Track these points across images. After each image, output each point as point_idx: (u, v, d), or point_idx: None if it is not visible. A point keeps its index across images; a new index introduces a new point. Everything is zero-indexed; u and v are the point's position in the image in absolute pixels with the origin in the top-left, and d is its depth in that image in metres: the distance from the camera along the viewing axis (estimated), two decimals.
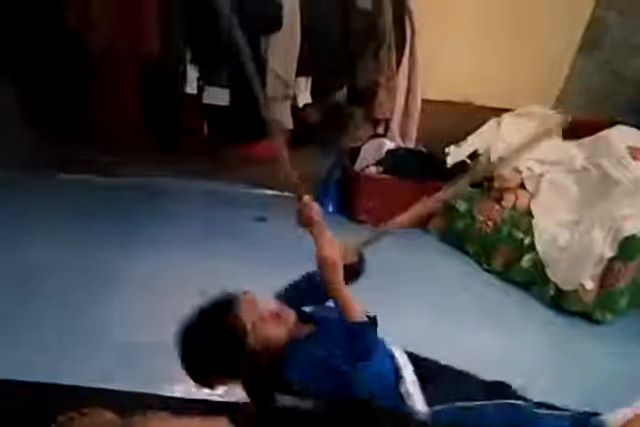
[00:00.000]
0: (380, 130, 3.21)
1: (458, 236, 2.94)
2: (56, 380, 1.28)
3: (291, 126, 2.83)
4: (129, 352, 1.65)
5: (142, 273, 2.13)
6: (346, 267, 1.23)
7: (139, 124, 2.71)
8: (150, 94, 2.69)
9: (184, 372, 1.20)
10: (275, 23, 2.66)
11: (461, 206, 2.92)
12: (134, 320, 1.82)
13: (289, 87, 2.77)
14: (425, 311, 2.18)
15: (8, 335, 1.58)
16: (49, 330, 1.67)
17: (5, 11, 2.39)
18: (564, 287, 2.42)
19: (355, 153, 3.18)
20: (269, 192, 3.22)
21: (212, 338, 1.18)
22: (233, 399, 1.48)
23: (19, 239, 2.18)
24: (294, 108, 2.81)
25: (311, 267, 1.29)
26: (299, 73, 2.75)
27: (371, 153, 3.12)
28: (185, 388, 1.53)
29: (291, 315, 1.23)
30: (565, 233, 2.52)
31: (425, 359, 1.30)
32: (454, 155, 3.01)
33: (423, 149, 3.16)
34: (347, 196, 3.17)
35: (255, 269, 2.27)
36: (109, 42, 2.48)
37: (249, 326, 1.17)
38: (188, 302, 1.90)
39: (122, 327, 1.78)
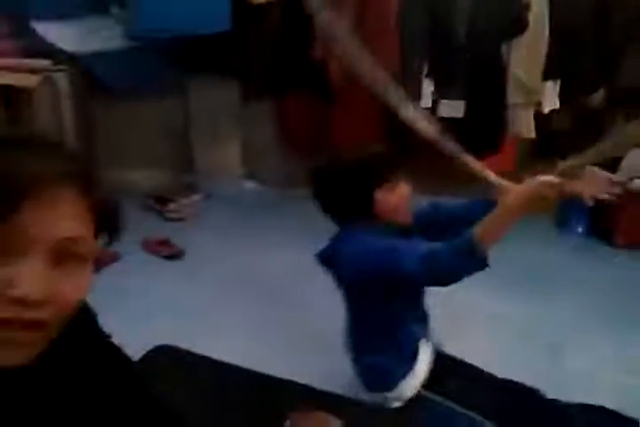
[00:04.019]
0: None
1: None
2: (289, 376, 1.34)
3: (533, 135, 2.57)
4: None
5: None
6: None
7: (375, 142, 2.78)
8: (388, 112, 2.74)
9: None
10: (520, 26, 2.47)
11: None
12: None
13: (533, 93, 2.53)
14: None
15: (260, 332, 1.75)
16: (286, 326, 1.80)
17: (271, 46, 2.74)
18: None
19: (614, 164, 2.71)
20: None
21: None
22: None
23: (273, 247, 2.41)
24: (539, 114, 2.55)
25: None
26: (545, 76, 2.49)
27: (636, 164, 2.62)
28: None
29: None
30: None
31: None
32: None
33: None
34: (602, 215, 2.72)
35: (490, 292, 2.08)
36: (352, 66, 2.62)
37: None
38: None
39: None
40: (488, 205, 1.23)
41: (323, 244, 2.48)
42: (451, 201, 1.44)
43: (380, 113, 2.74)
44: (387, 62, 2.56)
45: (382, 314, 1.28)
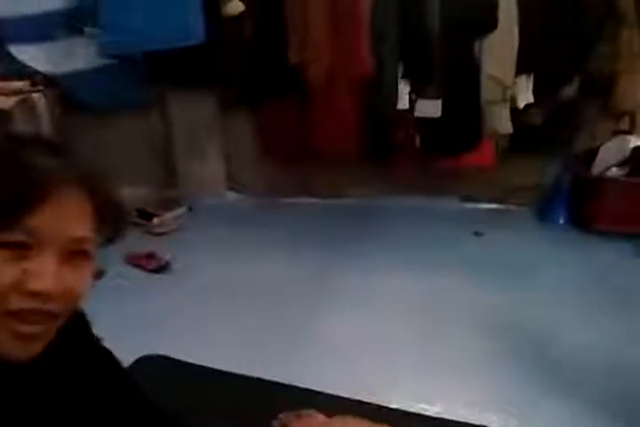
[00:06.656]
0: (624, 125, 2.73)
1: None
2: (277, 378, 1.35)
3: (510, 131, 2.61)
4: (346, 360, 1.68)
5: (360, 288, 2.17)
6: None
7: (355, 144, 2.81)
8: (366, 114, 2.78)
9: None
10: (489, 24, 2.51)
11: None
12: (350, 333, 1.85)
13: (507, 89, 2.57)
14: None
15: (248, 339, 1.77)
16: (275, 335, 1.81)
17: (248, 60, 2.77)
18: None
19: (591, 154, 2.76)
20: (484, 206, 2.99)
21: None
22: (452, 417, 1.36)
23: (258, 257, 2.43)
24: (514, 110, 2.60)
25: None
26: (518, 71, 2.53)
27: (612, 153, 2.66)
28: (401, 399, 1.48)
29: None
30: None
31: None
32: None
33: None
34: (582, 205, 2.76)
35: (474, 287, 2.14)
36: (328, 70, 2.67)
37: None
38: (405, 319, 1.91)
39: (338, 339, 1.82)
40: None
41: (308, 251, 2.51)
42: None
43: (359, 117, 2.78)
44: (362, 67, 2.62)
45: None
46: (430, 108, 2.64)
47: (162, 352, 1.35)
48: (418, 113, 2.66)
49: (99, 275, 2.02)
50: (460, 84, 2.62)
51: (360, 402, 1.26)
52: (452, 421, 1.29)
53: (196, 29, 2.55)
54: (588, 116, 2.72)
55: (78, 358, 0.67)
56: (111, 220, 0.59)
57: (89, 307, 0.64)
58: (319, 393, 1.28)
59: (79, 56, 2.68)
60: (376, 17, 2.57)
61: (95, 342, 0.75)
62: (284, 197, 3.08)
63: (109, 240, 0.60)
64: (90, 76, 2.69)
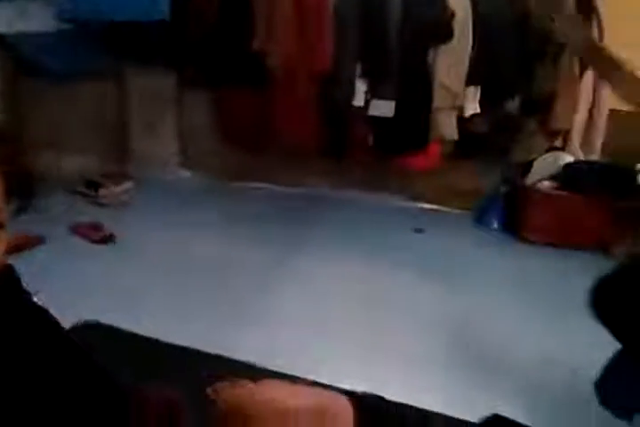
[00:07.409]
0: (558, 143, 2.94)
1: None
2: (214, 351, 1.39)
3: (456, 137, 2.76)
4: (287, 337, 1.75)
5: (305, 272, 2.26)
6: None
7: (309, 136, 2.88)
8: (322, 108, 2.85)
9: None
10: (445, 34, 2.64)
11: None
12: (294, 314, 1.92)
13: (456, 98, 2.71)
14: None
15: (188, 312, 1.80)
16: (219, 310, 1.86)
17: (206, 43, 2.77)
18: None
19: (527, 167, 2.95)
20: (426, 206, 3.14)
21: None
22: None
23: (205, 235, 2.46)
24: (461, 118, 2.74)
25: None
26: (467, 82, 2.68)
27: (545, 167, 2.87)
28: (334, 378, 1.54)
29: None
30: None
31: None
32: None
33: (608, 164, 2.80)
34: (514, 212, 2.95)
35: (410, 279, 2.27)
36: (288, 61, 2.72)
37: None
38: (346, 303, 2.00)
39: (283, 318, 1.90)
40: None
41: (259, 234, 2.56)
42: None
43: (315, 110, 2.85)
44: (322, 62, 2.69)
45: None
46: (384, 109, 2.74)
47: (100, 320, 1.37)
48: (372, 111, 2.76)
49: (37, 242, 1.99)
50: (414, 89, 2.73)
51: (294, 377, 1.34)
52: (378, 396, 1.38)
53: (160, 5, 2.53)
54: (526, 131, 2.90)
55: (9, 317, 0.65)
56: (22, 189, 0.59)
57: (27, 274, 0.66)
58: (256, 367, 1.34)
59: (35, 18, 2.59)
60: (339, 15, 2.65)
61: (27, 299, 0.75)
62: (237, 180, 3.11)
63: (21, 210, 0.61)
64: (44, 39, 2.61)
